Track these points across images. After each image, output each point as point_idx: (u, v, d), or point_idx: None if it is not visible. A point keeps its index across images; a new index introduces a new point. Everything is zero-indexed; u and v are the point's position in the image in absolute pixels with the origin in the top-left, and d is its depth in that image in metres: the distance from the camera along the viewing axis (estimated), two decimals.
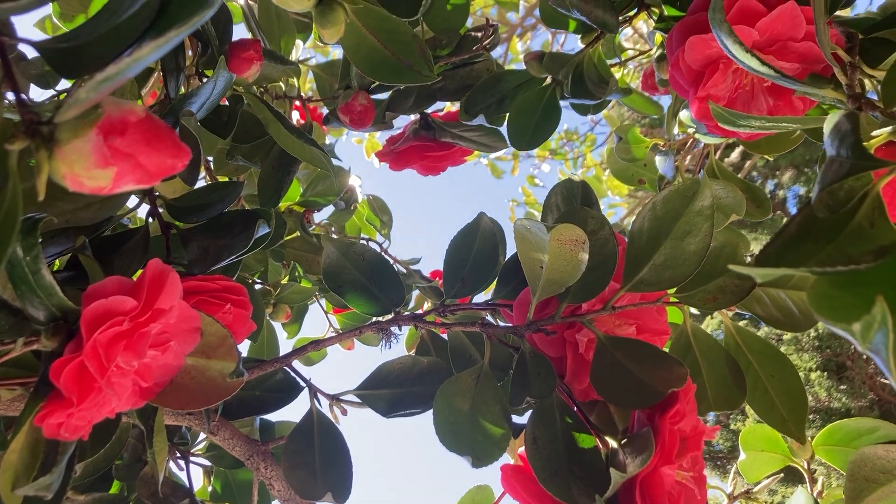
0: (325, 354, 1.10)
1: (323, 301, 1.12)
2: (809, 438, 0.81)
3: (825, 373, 5.83)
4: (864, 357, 5.87)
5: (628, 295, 0.57)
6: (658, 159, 0.82)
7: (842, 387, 5.77)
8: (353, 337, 0.64)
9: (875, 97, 0.41)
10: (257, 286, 1.02)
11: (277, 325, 1.05)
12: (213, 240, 0.57)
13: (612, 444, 0.52)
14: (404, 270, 1.13)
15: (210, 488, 0.75)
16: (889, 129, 0.35)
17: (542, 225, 0.49)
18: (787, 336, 6.03)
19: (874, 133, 0.36)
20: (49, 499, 0.47)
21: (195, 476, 0.77)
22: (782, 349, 5.99)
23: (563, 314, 0.57)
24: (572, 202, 0.61)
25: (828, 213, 0.34)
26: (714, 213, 0.51)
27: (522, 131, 0.80)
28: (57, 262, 0.61)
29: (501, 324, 0.64)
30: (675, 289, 0.59)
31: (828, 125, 0.33)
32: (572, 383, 0.58)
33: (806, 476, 0.77)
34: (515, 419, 0.61)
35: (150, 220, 0.61)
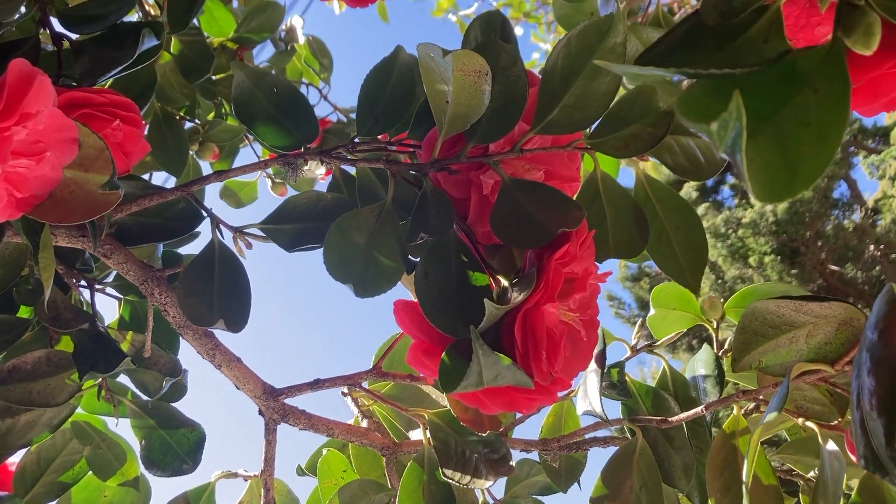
0: (255, 196, 1.08)
1: (258, 146, 1.08)
2: (722, 301, 0.82)
3: (779, 257, 5.97)
4: (819, 244, 6.01)
5: (538, 137, 0.55)
6: (600, 1, 0.78)
7: (793, 271, 5.94)
8: (259, 169, 0.62)
9: None
10: (187, 125, 0.98)
11: (206, 166, 1.02)
12: (106, 52, 0.53)
13: (505, 283, 0.52)
14: (344, 119, 1.09)
15: (118, 317, 0.75)
16: None
17: (440, 51, 0.46)
18: (746, 219, 6.13)
19: None
20: None
21: (112, 309, 0.76)
22: (740, 232, 6.10)
23: (469, 154, 0.55)
24: (490, 36, 0.58)
25: (719, 18, 0.31)
26: (626, 52, 0.49)
27: None
28: None
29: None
30: (587, 135, 0.57)
31: None
32: (475, 225, 0.57)
33: (714, 335, 0.78)
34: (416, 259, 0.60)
35: (42, 29, 0.57)
